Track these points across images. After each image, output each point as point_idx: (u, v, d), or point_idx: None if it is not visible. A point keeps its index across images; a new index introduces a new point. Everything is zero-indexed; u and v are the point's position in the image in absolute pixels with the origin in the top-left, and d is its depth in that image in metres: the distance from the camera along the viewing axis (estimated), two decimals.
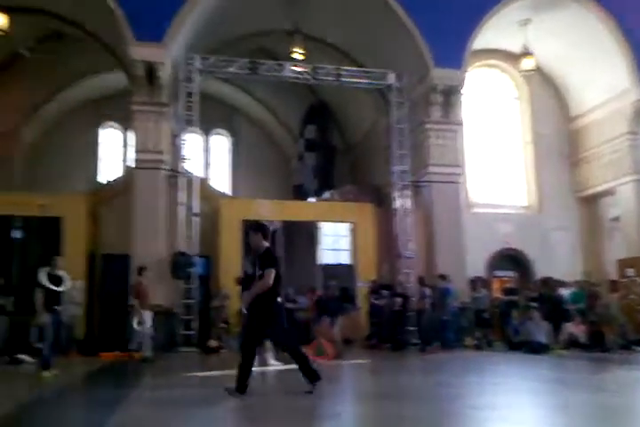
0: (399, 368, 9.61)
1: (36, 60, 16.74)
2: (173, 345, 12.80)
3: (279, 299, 6.09)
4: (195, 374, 8.73)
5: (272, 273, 5.89)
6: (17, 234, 13.73)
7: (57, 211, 13.93)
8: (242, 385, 5.79)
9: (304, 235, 15.96)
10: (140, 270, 11.12)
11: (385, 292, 13.58)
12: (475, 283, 14.22)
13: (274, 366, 8.86)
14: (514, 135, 18.00)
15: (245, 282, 8.47)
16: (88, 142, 20.00)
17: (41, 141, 19.62)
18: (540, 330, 11.74)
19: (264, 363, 8.72)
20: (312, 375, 5.93)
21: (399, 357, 11.44)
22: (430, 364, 10.25)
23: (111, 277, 14.58)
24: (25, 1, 14.23)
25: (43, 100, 18.64)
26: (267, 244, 6.17)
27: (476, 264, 15.37)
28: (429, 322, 12.63)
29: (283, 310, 6.26)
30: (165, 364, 10.37)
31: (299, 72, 14.72)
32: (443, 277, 13.26)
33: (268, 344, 8.90)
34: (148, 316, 10.73)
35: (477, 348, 12.86)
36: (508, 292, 14.02)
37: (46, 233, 14.23)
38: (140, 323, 10.56)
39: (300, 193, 18.79)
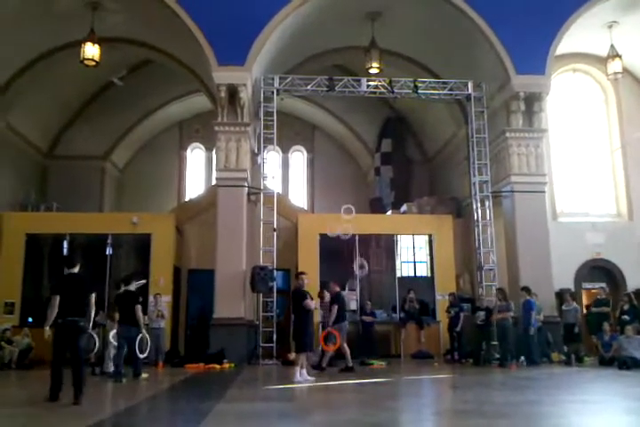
0: (483, 384, 9.32)
1: (126, 87, 17.81)
2: (255, 357, 13.06)
3: (60, 320, 6.79)
4: (274, 386, 8.88)
5: (54, 299, 6.79)
6: (110, 251, 14.56)
7: (147, 228, 14.69)
8: (53, 394, 6.64)
9: (382, 248, 15.94)
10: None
11: (465, 305, 13.27)
12: (563, 296, 13.66)
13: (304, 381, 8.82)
14: (602, 140, 17.23)
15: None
16: (174, 163, 20.97)
17: (131, 163, 20.83)
18: (633, 345, 11.09)
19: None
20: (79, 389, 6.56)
21: (482, 372, 11.11)
22: (516, 380, 9.89)
23: (196, 291, 15.18)
24: (117, 32, 15.18)
25: (132, 125, 19.79)
26: (71, 270, 7.11)
27: (562, 276, 14.73)
28: (512, 337, 12.18)
29: (60, 329, 6.80)
30: (247, 376, 10.61)
31: (375, 86, 14.82)
32: (526, 289, 12.82)
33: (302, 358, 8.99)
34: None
35: (566, 363, 12.30)
36: (597, 303, 13.35)
37: (137, 250, 15.00)
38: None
39: (377, 206, 18.79)
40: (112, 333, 10.32)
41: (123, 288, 9.95)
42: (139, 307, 9.54)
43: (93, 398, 7.06)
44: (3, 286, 14.06)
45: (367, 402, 7.03)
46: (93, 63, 14.18)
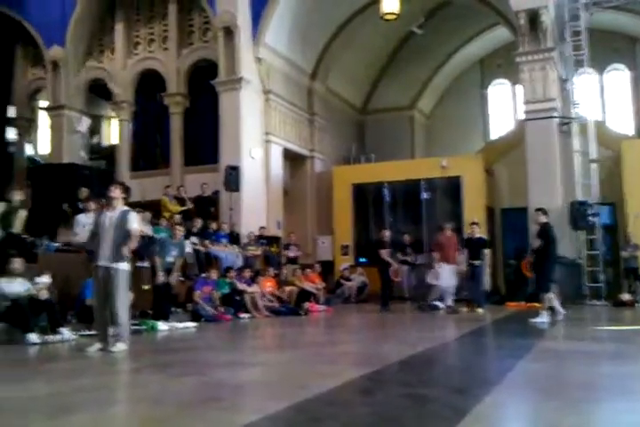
0: None
1: (425, 34, 18.03)
2: (580, 298, 12.46)
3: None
4: (601, 327, 8.42)
5: None
6: (425, 195, 15.30)
7: (457, 171, 14.98)
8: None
9: None
10: (440, 227, 11.50)
11: None
12: None
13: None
14: None
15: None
16: (478, 102, 20.69)
17: (436, 108, 21.26)
18: None
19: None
20: None
21: None
22: None
23: (511, 230, 15.02)
24: None
25: (434, 70, 20.11)
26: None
27: None
28: None
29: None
30: (571, 316, 10.21)
31: None
32: None
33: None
34: (445, 270, 10.87)
35: None
36: None
37: (449, 192, 15.44)
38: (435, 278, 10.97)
39: None
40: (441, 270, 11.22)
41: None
42: (484, 250, 10.84)
43: (428, 328, 7.76)
44: (338, 232, 16.03)
45: None
46: (394, 16, 14.62)
